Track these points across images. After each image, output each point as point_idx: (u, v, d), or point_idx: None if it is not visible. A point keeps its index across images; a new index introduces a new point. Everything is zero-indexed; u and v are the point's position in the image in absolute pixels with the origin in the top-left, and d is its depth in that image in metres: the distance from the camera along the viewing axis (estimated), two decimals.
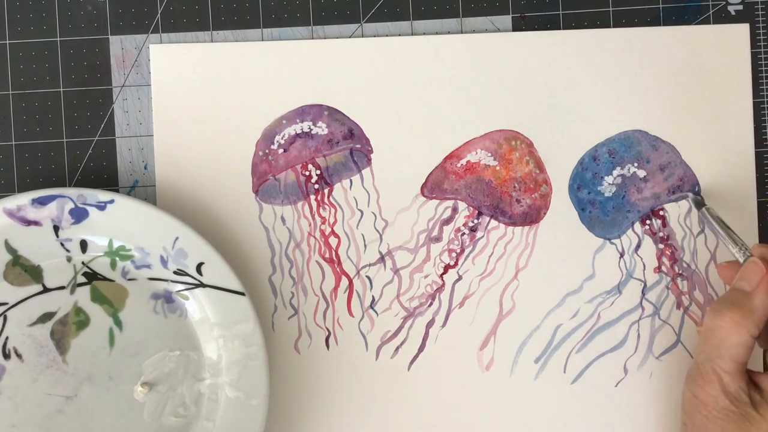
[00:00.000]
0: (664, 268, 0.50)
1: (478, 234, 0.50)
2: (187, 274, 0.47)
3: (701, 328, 0.44)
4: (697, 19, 0.51)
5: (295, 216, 0.50)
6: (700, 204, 0.49)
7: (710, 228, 0.48)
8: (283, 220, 0.50)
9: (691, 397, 0.43)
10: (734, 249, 0.45)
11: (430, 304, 0.50)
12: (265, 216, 0.50)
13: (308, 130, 0.50)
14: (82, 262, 0.47)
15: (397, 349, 0.50)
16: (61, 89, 0.50)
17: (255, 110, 0.49)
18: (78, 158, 0.50)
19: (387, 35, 0.50)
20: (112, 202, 0.46)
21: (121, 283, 0.48)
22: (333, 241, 0.50)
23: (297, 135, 0.50)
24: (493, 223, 0.50)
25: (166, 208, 0.49)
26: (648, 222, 0.50)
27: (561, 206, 0.50)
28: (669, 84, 0.50)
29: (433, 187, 0.50)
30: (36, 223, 0.46)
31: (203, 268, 0.47)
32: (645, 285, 0.50)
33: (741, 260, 0.45)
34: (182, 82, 0.49)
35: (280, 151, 0.50)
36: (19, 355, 0.47)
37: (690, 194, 0.49)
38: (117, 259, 0.47)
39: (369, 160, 0.50)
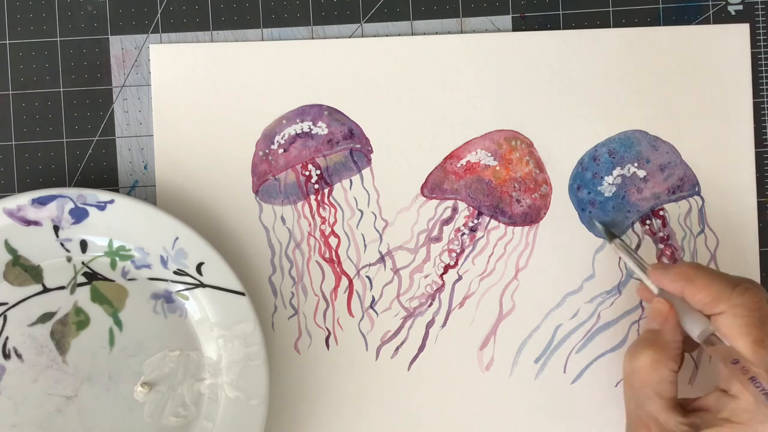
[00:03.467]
0: None
1: (478, 234, 0.50)
2: (187, 274, 0.47)
3: (624, 376, 0.44)
4: (697, 19, 0.51)
5: (295, 216, 0.50)
6: (611, 236, 0.48)
7: (623, 258, 0.48)
8: (283, 220, 0.50)
9: None
10: (647, 280, 0.45)
11: (430, 304, 0.50)
12: (265, 216, 0.50)
13: (308, 130, 0.50)
14: (82, 262, 0.47)
15: (397, 349, 0.50)
16: (61, 89, 0.50)
17: (255, 110, 0.49)
18: (78, 158, 0.50)
19: (387, 35, 0.50)
20: (112, 202, 0.46)
21: (121, 283, 0.48)
22: (333, 241, 0.50)
23: (297, 135, 0.50)
24: (493, 223, 0.50)
25: (166, 208, 0.49)
26: (648, 222, 0.50)
27: (561, 206, 0.50)
28: (669, 84, 0.50)
29: (433, 187, 0.50)
30: (36, 223, 0.46)
31: (203, 268, 0.47)
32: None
33: (655, 291, 0.45)
34: (182, 82, 0.49)
35: (280, 151, 0.50)
36: (19, 355, 0.47)
37: (598, 224, 0.49)
38: (117, 259, 0.47)
39: (369, 160, 0.50)
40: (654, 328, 0.44)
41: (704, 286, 0.42)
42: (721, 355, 0.41)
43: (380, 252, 0.50)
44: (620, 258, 0.50)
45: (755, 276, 0.50)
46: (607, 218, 0.50)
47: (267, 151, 0.49)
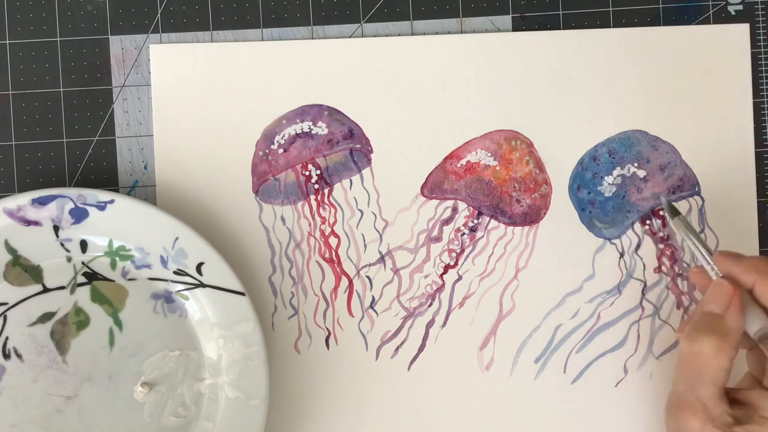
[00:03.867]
0: (664, 268, 0.50)
1: (478, 234, 0.50)
2: (187, 274, 0.47)
3: (679, 356, 0.43)
4: (697, 19, 0.51)
5: (295, 216, 0.50)
6: (674, 212, 0.46)
7: (683, 237, 0.47)
8: (283, 220, 0.50)
9: (676, 429, 0.42)
10: (706, 264, 0.44)
11: (430, 304, 0.50)
12: (265, 216, 0.50)
13: (308, 130, 0.50)
14: (82, 262, 0.47)
15: (397, 349, 0.50)
16: (61, 89, 0.50)
17: (255, 110, 0.49)
18: (78, 158, 0.50)
19: (387, 35, 0.50)
20: (112, 202, 0.46)
21: (121, 283, 0.48)
22: (333, 241, 0.50)
23: (297, 135, 0.50)
24: (493, 223, 0.50)
25: (166, 208, 0.49)
26: (648, 222, 0.50)
27: (561, 206, 0.50)
28: (669, 84, 0.50)
29: (433, 187, 0.50)
30: (36, 223, 0.46)
31: (203, 268, 0.47)
32: (645, 285, 0.50)
33: (714, 277, 0.43)
34: (182, 82, 0.49)
35: (280, 151, 0.50)
36: (19, 355, 0.47)
37: (663, 198, 0.48)
38: (117, 259, 0.47)
39: (369, 160, 0.50)
40: (714, 312, 0.42)
41: None
42: None
43: (380, 252, 0.50)
44: (632, 251, 0.50)
45: None
46: (606, 217, 0.50)
47: (267, 151, 0.49)
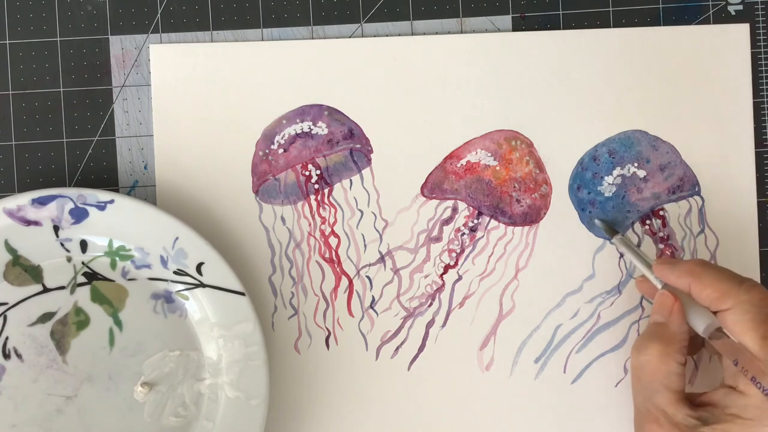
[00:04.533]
0: None
1: (478, 234, 0.50)
2: (187, 274, 0.47)
3: (631, 371, 0.44)
4: (697, 19, 0.51)
5: (295, 216, 0.50)
6: (612, 232, 0.49)
7: (625, 254, 0.48)
8: (283, 220, 0.50)
9: None
10: (651, 275, 0.46)
11: (430, 304, 0.50)
12: (265, 216, 0.50)
13: (308, 130, 0.50)
14: (82, 262, 0.47)
15: (397, 349, 0.50)
16: (61, 89, 0.50)
17: (255, 110, 0.49)
18: (78, 158, 0.50)
19: (387, 35, 0.50)
20: (112, 202, 0.46)
21: (121, 283, 0.48)
22: (333, 241, 0.50)
23: (297, 135, 0.50)
24: (493, 223, 0.50)
25: (166, 208, 0.49)
26: (648, 222, 0.50)
27: (561, 206, 0.50)
28: (669, 84, 0.50)
29: (433, 187, 0.50)
30: (36, 223, 0.46)
31: (203, 268, 0.47)
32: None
33: (658, 286, 0.45)
34: (182, 82, 0.49)
35: (280, 151, 0.50)
36: (19, 355, 0.47)
37: (598, 222, 0.49)
38: (117, 259, 0.47)
39: (369, 160, 0.50)
40: (659, 321, 0.44)
41: (711, 283, 0.42)
42: (727, 350, 0.41)
43: (380, 252, 0.50)
44: (621, 256, 0.50)
45: (755, 276, 0.50)
46: (606, 216, 0.50)
47: (267, 151, 0.49)
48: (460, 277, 0.50)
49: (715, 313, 0.42)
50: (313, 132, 0.50)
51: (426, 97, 0.50)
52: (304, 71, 0.50)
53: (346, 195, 0.50)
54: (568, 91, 0.50)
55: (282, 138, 0.49)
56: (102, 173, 0.50)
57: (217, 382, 0.47)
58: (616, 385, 0.50)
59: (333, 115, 0.50)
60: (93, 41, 0.50)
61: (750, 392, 0.41)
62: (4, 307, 0.47)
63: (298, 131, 0.50)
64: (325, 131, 0.50)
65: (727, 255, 0.50)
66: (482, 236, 0.50)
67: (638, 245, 0.50)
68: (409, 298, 0.50)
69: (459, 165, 0.50)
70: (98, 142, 0.50)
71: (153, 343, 0.47)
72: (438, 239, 0.50)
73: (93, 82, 0.50)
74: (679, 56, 0.50)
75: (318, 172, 0.50)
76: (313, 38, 0.50)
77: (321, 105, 0.50)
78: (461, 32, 0.50)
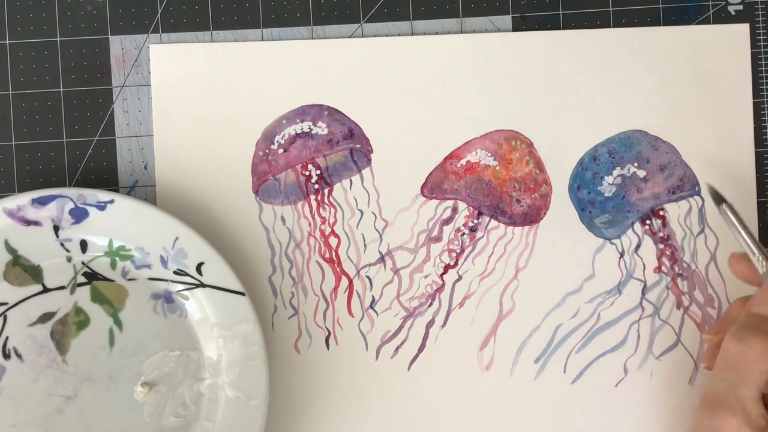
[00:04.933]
0: (664, 268, 0.50)
1: (478, 234, 0.50)
2: (187, 274, 0.47)
3: (722, 354, 0.43)
4: (697, 19, 0.51)
5: (295, 216, 0.50)
6: (719, 200, 0.46)
7: (729, 227, 0.46)
8: (283, 220, 0.50)
9: (710, 428, 0.42)
10: (755, 257, 0.44)
11: (430, 304, 0.50)
12: (265, 216, 0.50)
13: (308, 130, 0.50)
14: (82, 262, 0.47)
15: (397, 349, 0.50)
16: (61, 89, 0.50)
17: (255, 110, 0.49)
18: (78, 158, 0.50)
19: (387, 35, 0.50)
20: (112, 202, 0.46)
21: (121, 283, 0.48)
22: (333, 241, 0.50)
23: (297, 135, 0.50)
24: (493, 223, 0.50)
25: (166, 208, 0.49)
26: (648, 222, 0.50)
27: (561, 206, 0.50)
28: (669, 84, 0.50)
29: (433, 187, 0.50)
30: (36, 223, 0.46)
31: (203, 268, 0.47)
32: (645, 285, 0.50)
33: (760, 270, 0.43)
34: (182, 82, 0.49)
35: (280, 151, 0.50)
36: (19, 355, 0.47)
37: (708, 185, 0.47)
38: (117, 259, 0.47)
39: (369, 160, 0.50)
40: (764, 314, 0.42)
41: None
42: None
43: (380, 252, 0.50)
44: (632, 251, 0.50)
45: None
46: (607, 217, 0.50)
47: (267, 151, 0.49)
48: (460, 277, 0.50)
49: None
50: (313, 132, 0.50)
51: (426, 97, 0.50)
52: (304, 71, 0.50)
53: (346, 195, 0.50)
54: (568, 91, 0.50)
55: (282, 138, 0.49)
56: (102, 173, 0.50)
57: (217, 382, 0.47)
58: (616, 385, 0.50)
59: (333, 115, 0.50)
60: (93, 41, 0.50)
61: None
62: (4, 307, 0.47)
63: (298, 131, 0.50)
64: (325, 131, 0.50)
65: (727, 255, 0.50)
66: (482, 236, 0.50)
67: (638, 246, 0.50)
68: (409, 298, 0.50)
69: (459, 165, 0.50)
70: (98, 142, 0.50)
71: (153, 343, 0.47)
72: (438, 239, 0.50)
73: (93, 82, 0.50)
74: (679, 56, 0.50)
75: (318, 172, 0.50)
76: (313, 38, 0.50)
77: (321, 105, 0.50)
78: (461, 32, 0.50)
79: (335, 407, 0.49)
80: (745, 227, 0.45)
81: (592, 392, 0.50)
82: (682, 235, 0.50)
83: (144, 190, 0.50)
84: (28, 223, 0.46)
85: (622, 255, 0.50)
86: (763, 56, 0.50)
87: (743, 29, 0.50)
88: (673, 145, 0.50)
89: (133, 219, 0.46)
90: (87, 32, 0.50)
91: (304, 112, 0.50)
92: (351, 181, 0.50)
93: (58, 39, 0.50)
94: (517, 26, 0.51)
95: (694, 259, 0.50)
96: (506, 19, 0.51)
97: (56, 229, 0.47)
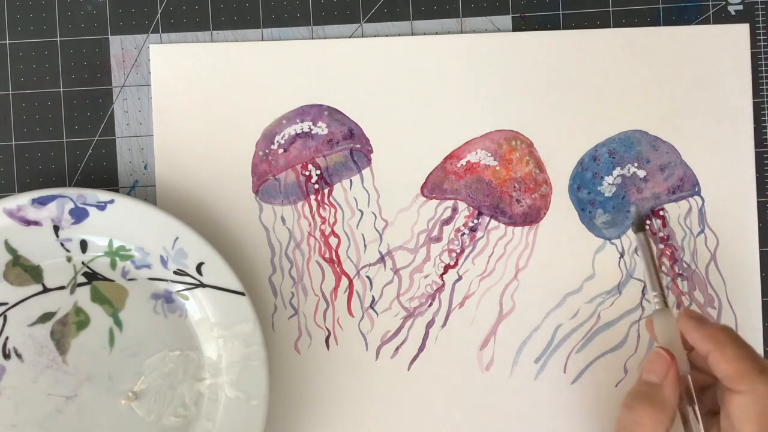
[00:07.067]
0: (664, 268, 0.50)
1: (478, 234, 0.50)
2: (187, 274, 0.47)
3: (617, 425, 0.43)
4: (697, 19, 0.51)
5: (295, 216, 0.50)
6: (640, 226, 0.47)
7: (640, 254, 0.46)
8: (283, 220, 0.50)
9: None
10: (651, 293, 0.45)
11: (430, 304, 0.50)
12: (265, 216, 0.50)
13: (308, 130, 0.50)
14: (82, 262, 0.47)
15: (397, 349, 0.50)
16: (61, 89, 0.50)
17: (255, 110, 0.49)
18: (78, 158, 0.50)
19: (387, 35, 0.50)
20: (112, 202, 0.46)
21: (121, 283, 0.48)
22: (333, 241, 0.50)
23: (297, 135, 0.50)
24: (493, 223, 0.50)
25: (166, 208, 0.49)
26: (648, 222, 0.50)
27: (561, 206, 0.50)
28: (669, 84, 0.50)
29: (433, 187, 0.50)
30: (36, 223, 0.46)
31: (203, 268, 0.47)
32: (645, 285, 0.50)
33: (653, 306, 0.44)
34: (182, 82, 0.49)
35: (280, 151, 0.50)
36: (19, 355, 0.47)
37: (633, 209, 0.48)
38: (117, 259, 0.48)
39: (369, 160, 0.50)
40: (653, 381, 0.43)
41: (732, 359, 0.40)
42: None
43: (380, 252, 0.50)
44: (621, 256, 0.50)
45: (755, 276, 0.50)
46: (609, 217, 0.50)
47: (267, 151, 0.49)
48: (460, 277, 0.50)
49: (716, 384, 0.42)
50: (313, 132, 0.50)
51: (426, 97, 0.50)
52: (304, 71, 0.50)
53: (346, 195, 0.50)
54: (568, 91, 0.50)
55: (282, 138, 0.50)
56: (102, 173, 0.50)
57: (217, 382, 0.47)
58: (616, 385, 0.50)
59: (333, 115, 0.50)
60: (93, 41, 0.50)
61: None
62: (4, 307, 0.47)
63: (298, 131, 0.50)
64: (325, 131, 0.50)
65: (727, 255, 0.50)
66: (482, 236, 0.50)
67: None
68: (409, 298, 0.50)
69: (459, 165, 0.50)
70: (98, 142, 0.50)
71: (153, 343, 0.47)
72: (438, 239, 0.50)
73: (93, 82, 0.50)
74: (679, 56, 0.50)
75: (318, 172, 0.50)
76: (313, 38, 0.50)
77: (321, 105, 0.50)
78: (461, 32, 0.50)
79: (335, 407, 0.49)
80: (652, 259, 0.45)
81: (592, 392, 0.50)
82: (682, 235, 0.50)
83: (144, 190, 0.50)
84: (28, 223, 0.46)
85: (622, 255, 0.50)
86: (763, 56, 0.50)
87: (743, 29, 0.50)
88: (673, 145, 0.50)
89: (133, 219, 0.46)
90: (87, 32, 0.50)
91: (304, 112, 0.50)
92: (351, 181, 0.50)
93: (58, 39, 0.50)
94: (517, 26, 0.51)
95: (694, 259, 0.50)
96: (506, 19, 0.51)
97: (56, 229, 0.47)
